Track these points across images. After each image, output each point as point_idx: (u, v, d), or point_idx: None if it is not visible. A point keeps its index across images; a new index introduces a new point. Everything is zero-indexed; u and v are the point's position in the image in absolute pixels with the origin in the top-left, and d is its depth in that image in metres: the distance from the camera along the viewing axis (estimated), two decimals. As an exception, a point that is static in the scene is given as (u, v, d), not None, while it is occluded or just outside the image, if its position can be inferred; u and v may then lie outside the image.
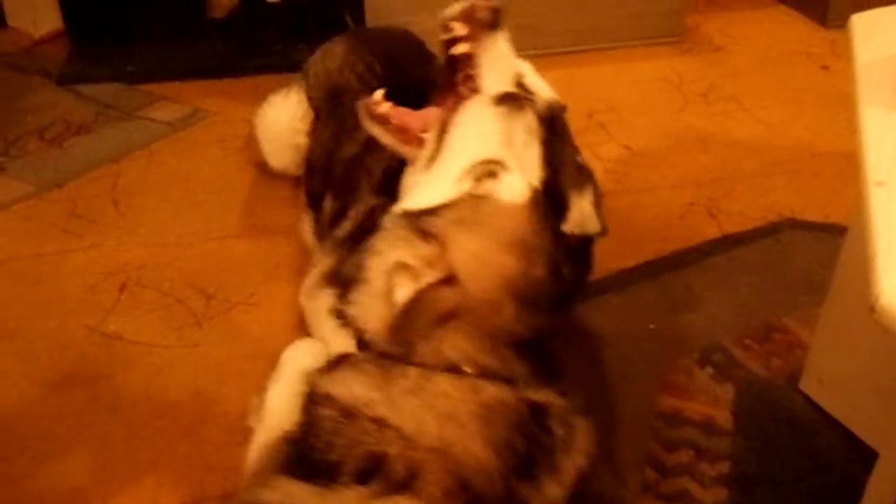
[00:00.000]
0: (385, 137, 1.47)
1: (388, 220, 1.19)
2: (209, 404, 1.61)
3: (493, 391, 1.07)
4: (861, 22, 1.33)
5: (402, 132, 1.45)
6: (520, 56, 1.54)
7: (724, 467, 1.48)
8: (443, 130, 1.31)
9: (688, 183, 2.22)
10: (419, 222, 1.15)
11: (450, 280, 1.08)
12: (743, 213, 2.10)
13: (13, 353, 1.73)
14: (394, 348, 1.10)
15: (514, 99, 1.34)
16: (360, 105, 1.48)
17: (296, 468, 1.07)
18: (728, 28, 2.99)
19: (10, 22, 3.00)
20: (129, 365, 1.70)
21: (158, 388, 1.65)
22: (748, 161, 2.31)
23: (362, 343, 1.15)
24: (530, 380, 1.11)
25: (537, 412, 1.08)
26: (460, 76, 1.49)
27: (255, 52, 2.76)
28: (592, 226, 1.48)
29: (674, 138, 2.41)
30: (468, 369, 1.08)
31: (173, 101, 2.59)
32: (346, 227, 1.72)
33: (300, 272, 1.87)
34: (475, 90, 1.46)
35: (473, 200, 1.19)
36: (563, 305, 1.53)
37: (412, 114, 1.47)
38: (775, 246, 2.00)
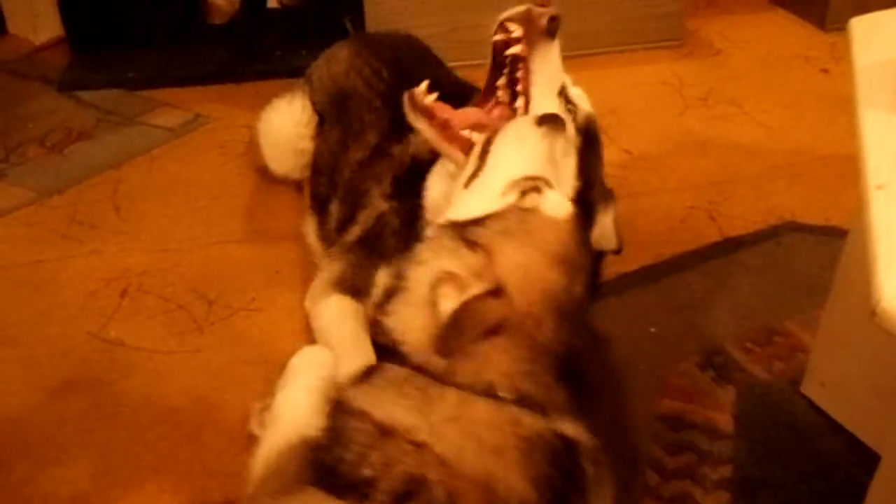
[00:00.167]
0: (427, 131, 1.49)
1: (430, 230, 1.19)
2: (210, 410, 1.61)
3: (531, 424, 1.05)
4: (860, 25, 1.33)
5: (445, 127, 1.47)
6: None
7: (726, 471, 1.47)
8: (486, 148, 1.32)
9: (688, 186, 2.22)
10: (465, 232, 1.15)
11: (497, 292, 1.07)
12: (743, 217, 2.10)
13: (14, 360, 1.74)
14: (434, 362, 1.08)
15: (555, 120, 1.35)
16: (406, 95, 1.49)
17: (321, 477, 1.05)
18: (728, 32, 3.00)
19: (11, 29, 3.00)
20: (131, 371, 1.70)
21: (160, 394, 1.65)
22: (748, 164, 2.31)
23: (397, 354, 1.13)
24: (565, 408, 1.09)
25: (569, 448, 1.07)
26: (504, 80, 1.50)
27: (256, 58, 2.76)
28: (610, 243, 1.54)
29: (674, 142, 2.42)
30: (506, 395, 1.06)
31: (174, 107, 2.59)
32: (354, 231, 1.73)
33: (301, 277, 1.88)
34: (521, 93, 1.48)
35: (520, 212, 1.19)
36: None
37: (453, 111, 1.49)
38: (776, 249, 2.00)
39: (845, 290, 1.49)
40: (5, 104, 2.62)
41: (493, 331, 1.07)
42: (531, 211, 1.19)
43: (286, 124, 2.05)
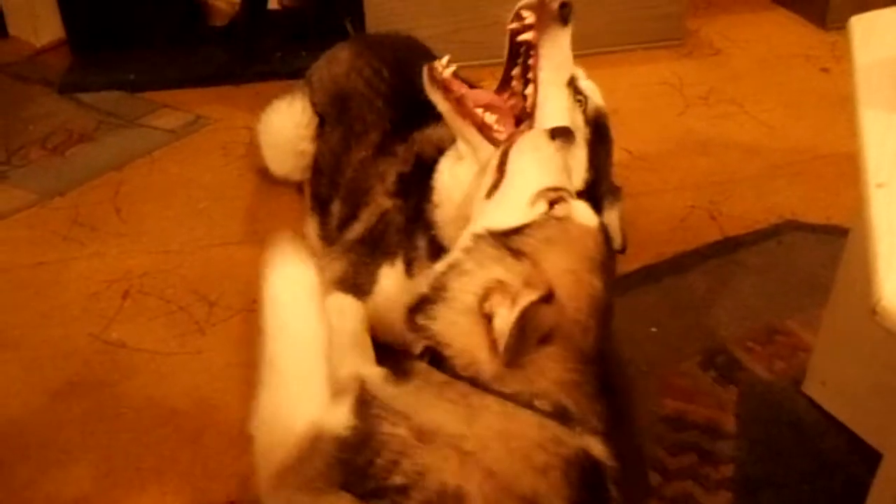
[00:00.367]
0: (442, 104, 1.50)
1: (468, 240, 1.19)
2: (212, 411, 1.61)
3: (570, 443, 1.06)
4: (860, 24, 1.33)
5: (460, 103, 1.48)
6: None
7: (728, 470, 1.47)
8: (503, 160, 1.33)
9: (689, 186, 2.22)
10: (507, 241, 1.15)
11: (549, 298, 1.08)
12: (744, 216, 2.10)
13: (16, 362, 1.74)
14: (482, 369, 1.07)
15: (567, 134, 1.38)
16: (425, 68, 1.51)
17: (351, 481, 1.04)
18: (728, 31, 2.99)
19: (12, 31, 3.00)
20: (132, 372, 1.70)
21: (161, 396, 1.65)
22: (749, 163, 2.31)
23: (435, 358, 1.12)
24: (596, 425, 1.10)
25: (597, 469, 1.08)
26: (518, 69, 1.51)
27: (256, 60, 2.77)
28: (614, 241, 1.53)
29: (674, 141, 2.42)
30: (545, 407, 1.07)
31: (174, 109, 2.59)
32: (356, 229, 1.73)
33: (302, 278, 1.87)
34: (531, 81, 1.50)
35: (557, 221, 1.19)
36: None
37: (473, 91, 1.51)
38: (777, 248, 2.00)
39: (846, 288, 1.49)
40: (6, 107, 2.62)
41: (545, 339, 1.08)
42: (566, 219, 1.20)
43: (286, 126, 2.05)
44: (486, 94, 1.54)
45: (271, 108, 2.10)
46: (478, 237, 1.18)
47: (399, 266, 1.60)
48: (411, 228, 1.59)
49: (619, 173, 2.25)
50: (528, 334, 1.06)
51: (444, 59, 1.51)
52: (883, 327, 0.87)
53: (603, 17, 2.80)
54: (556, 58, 1.51)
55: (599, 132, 1.55)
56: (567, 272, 1.13)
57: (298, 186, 2.12)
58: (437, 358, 1.12)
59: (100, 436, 1.57)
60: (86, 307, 1.87)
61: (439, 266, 1.18)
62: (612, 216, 1.55)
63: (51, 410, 1.62)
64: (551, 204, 1.21)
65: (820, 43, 2.89)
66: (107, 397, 1.65)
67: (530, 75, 1.52)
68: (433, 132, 1.68)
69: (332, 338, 1.61)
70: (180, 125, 2.51)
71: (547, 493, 1.02)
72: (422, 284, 1.18)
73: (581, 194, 1.46)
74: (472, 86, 1.54)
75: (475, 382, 1.07)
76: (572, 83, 1.54)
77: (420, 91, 1.60)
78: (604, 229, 1.24)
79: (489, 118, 1.49)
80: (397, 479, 1.01)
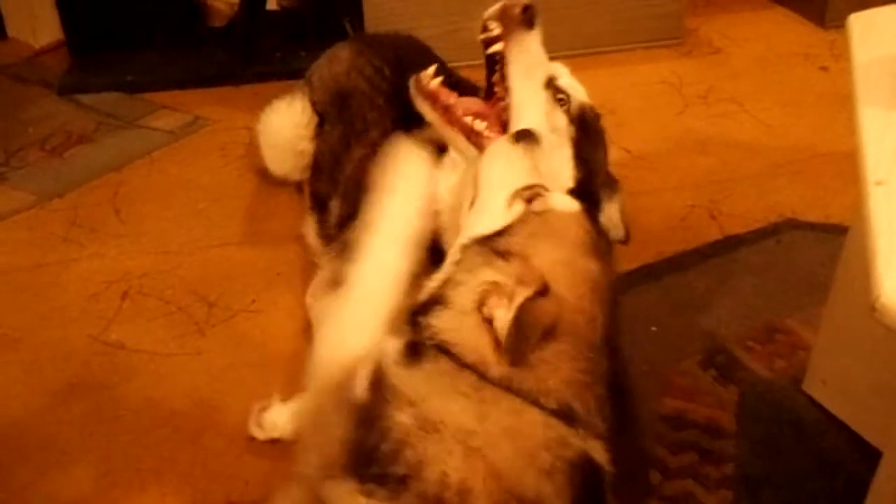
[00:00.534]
0: (430, 114, 1.50)
1: (455, 252, 1.19)
2: (211, 412, 1.61)
3: (574, 445, 1.05)
4: (859, 22, 1.33)
5: (447, 112, 1.48)
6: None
7: (729, 469, 1.47)
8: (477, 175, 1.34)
9: (688, 185, 2.22)
10: (493, 244, 1.15)
11: (545, 291, 1.07)
12: (744, 215, 2.10)
13: (16, 364, 1.74)
14: (491, 365, 1.07)
15: (529, 136, 1.36)
16: (412, 79, 1.51)
17: (356, 463, 1.05)
18: (727, 30, 2.99)
19: (11, 33, 3.00)
20: (132, 373, 1.70)
21: (161, 397, 1.65)
22: (749, 162, 2.31)
23: (445, 353, 1.11)
24: (601, 426, 1.09)
25: (597, 475, 1.07)
26: (497, 76, 1.51)
27: (255, 60, 2.76)
28: (617, 233, 1.54)
29: (674, 141, 2.41)
30: (551, 405, 1.06)
31: (173, 110, 2.59)
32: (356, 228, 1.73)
33: (302, 279, 1.88)
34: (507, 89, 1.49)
35: (537, 215, 1.19)
36: None
37: (457, 97, 1.51)
38: (776, 247, 2.00)
39: (846, 286, 1.49)
40: (5, 108, 2.62)
41: (549, 334, 1.07)
42: (546, 212, 1.20)
43: (286, 126, 2.05)
44: (473, 101, 1.53)
45: (271, 109, 2.10)
46: (465, 247, 1.19)
47: None
48: None
49: (618, 172, 2.24)
50: (529, 330, 1.05)
51: (431, 70, 1.50)
52: (882, 324, 0.87)
53: (602, 17, 2.80)
54: (525, 62, 1.50)
55: (585, 129, 1.53)
56: (558, 262, 1.12)
57: (297, 186, 2.12)
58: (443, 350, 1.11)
59: (99, 437, 1.57)
60: (85, 308, 1.87)
61: (434, 280, 1.18)
62: (612, 209, 1.54)
63: (50, 412, 1.62)
64: (528, 202, 1.21)
65: (819, 41, 2.89)
66: (106, 398, 1.65)
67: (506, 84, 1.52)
68: (434, 130, 1.68)
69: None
70: (179, 126, 2.51)
71: (550, 496, 1.02)
72: (420, 295, 1.18)
73: (575, 191, 1.46)
74: (461, 93, 1.53)
75: (484, 377, 1.07)
76: (551, 83, 1.52)
77: None
78: (586, 213, 1.24)
79: (478, 125, 1.49)
80: (399, 469, 1.01)
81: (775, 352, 1.71)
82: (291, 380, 1.64)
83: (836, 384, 1.55)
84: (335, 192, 1.85)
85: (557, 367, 1.07)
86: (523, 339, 1.05)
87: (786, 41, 2.93)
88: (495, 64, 1.52)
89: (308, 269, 1.88)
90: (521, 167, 1.30)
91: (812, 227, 2.04)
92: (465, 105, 1.50)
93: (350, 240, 1.74)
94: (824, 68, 2.75)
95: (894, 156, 1.05)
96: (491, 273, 1.11)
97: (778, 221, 2.07)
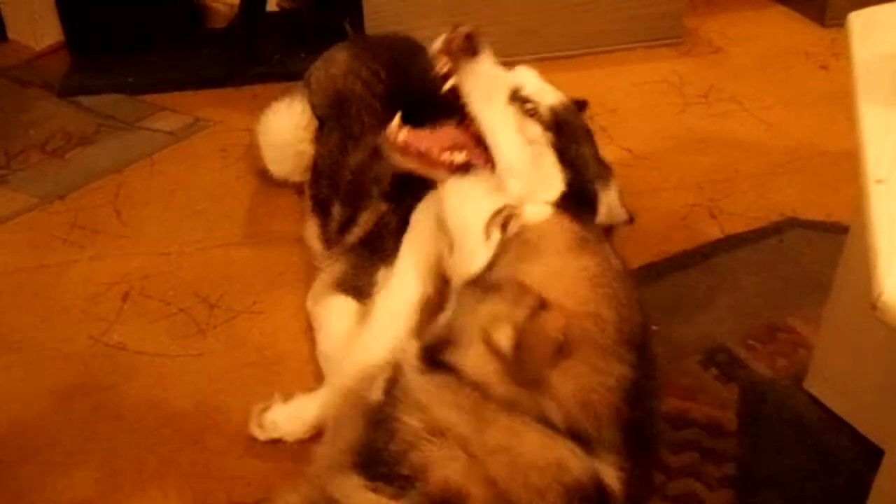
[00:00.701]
0: (409, 164, 1.50)
1: (454, 301, 1.18)
2: (213, 413, 1.61)
3: (576, 468, 1.04)
4: (859, 20, 1.33)
5: (423, 156, 1.47)
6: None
7: (730, 468, 1.47)
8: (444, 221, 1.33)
9: (689, 184, 2.22)
10: (482, 282, 1.15)
11: (544, 305, 1.05)
12: (745, 214, 2.10)
13: (17, 365, 1.74)
14: (496, 385, 1.06)
15: (466, 166, 1.37)
16: (381, 138, 1.51)
17: (365, 461, 1.06)
18: (727, 29, 2.99)
19: (11, 35, 3.00)
20: (133, 374, 1.70)
21: (162, 398, 1.65)
22: (749, 161, 2.31)
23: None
24: (613, 448, 1.07)
25: (604, 500, 1.05)
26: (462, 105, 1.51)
27: (255, 62, 2.76)
28: (620, 216, 1.53)
29: (675, 140, 2.41)
30: (559, 424, 1.04)
31: (174, 111, 2.59)
32: (356, 233, 1.73)
33: (303, 280, 1.88)
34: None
35: (515, 238, 1.18)
36: None
37: (430, 136, 1.49)
38: (778, 246, 2.00)
39: (847, 285, 1.49)
40: (6, 110, 2.62)
41: (563, 346, 1.04)
42: (522, 230, 1.18)
43: (286, 127, 2.05)
44: (447, 132, 1.51)
45: (271, 110, 2.10)
46: (459, 294, 1.18)
47: None
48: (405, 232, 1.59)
49: (619, 172, 2.24)
50: (537, 348, 1.03)
51: (395, 122, 1.49)
52: (883, 322, 0.87)
53: (603, 17, 2.80)
54: (482, 89, 1.48)
55: (563, 129, 1.51)
56: (548, 274, 1.10)
57: (298, 188, 2.12)
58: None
59: (101, 438, 1.57)
60: (86, 310, 1.87)
61: (438, 325, 1.18)
62: (609, 196, 1.52)
63: (52, 413, 1.62)
64: (504, 227, 1.19)
65: (819, 40, 2.88)
66: (108, 400, 1.65)
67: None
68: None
69: (333, 340, 1.63)
70: (180, 127, 2.52)
71: None
72: (428, 336, 1.17)
73: (569, 192, 1.46)
74: (433, 128, 1.52)
75: (487, 393, 1.06)
76: (516, 97, 1.50)
77: (417, 92, 1.59)
78: (561, 210, 1.22)
79: (459, 158, 1.48)
80: (404, 469, 1.01)
81: (777, 350, 1.71)
82: (293, 380, 1.64)
83: (838, 383, 1.55)
84: (335, 197, 1.85)
85: (566, 384, 1.05)
86: (531, 358, 1.03)
87: (786, 40, 2.93)
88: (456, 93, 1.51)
89: (309, 270, 1.88)
90: (480, 196, 1.29)
91: (813, 225, 2.04)
92: (440, 142, 1.48)
93: (349, 243, 1.75)
94: (824, 67, 2.75)
95: (895, 154, 1.05)
96: (488, 309, 1.09)
97: (779, 220, 2.07)
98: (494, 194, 1.32)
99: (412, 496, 1.00)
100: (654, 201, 2.15)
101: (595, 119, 2.47)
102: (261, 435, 1.53)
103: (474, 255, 1.21)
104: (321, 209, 1.91)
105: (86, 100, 2.65)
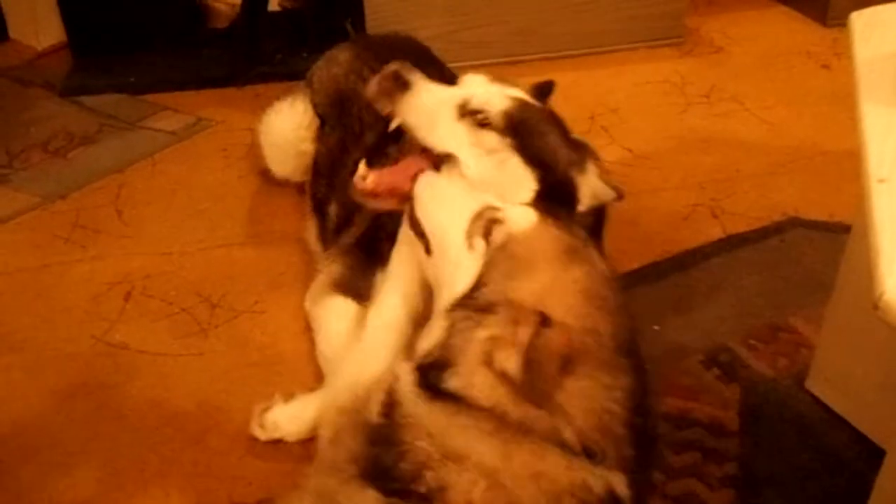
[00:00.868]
0: (384, 205, 1.47)
1: (442, 320, 1.14)
2: (215, 412, 1.61)
3: (596, 487, 1.02)
4: (861, 19, 1.33)
5: (395, 192, 1.44)
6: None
7: (732, 468, 1.47)
8: (414, 220, 1.30)
9: (691, 184, 2.22)
10: (473, 303, 1.11)
11: (546, 322, 1.03)
12: (747, 214, 2.10)
13: (19, 364, 1.74)
14: (508, 407, 1.04)
15: (448, 158, 1.35)
16: (350, 187, 1.49)
17: (376, 474, 1.04)
18: (729, 29, 2.99)
19: (13, 35, 3.01)
20: (135, 374, 1.70)
21: (164, 397, 1.65)
22: (751, 161, 2.30)
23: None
24: (625, 461, 1.06)
25: None
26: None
27: (257, 62, 2.76)
28: (607, 195, 1.48)
29: (676, 140, 2.41)
30: (574, 445, 1.03)
31: (176, 111, 2.59)
32: (352, 233, 1.73)
33: (304, 279, 1.88)
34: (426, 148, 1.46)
35: (501, 251, 1.14)
36: None
37: (396, 170, 1.47)
38: (780, 245, 1.99)
39: (849, 285, 1.49)
40: (8, 110, 2.63)
41: (568, 363, 1.02)
42: (509, 241, 1.14)
43: (287, 127, 2.05)
44: (412, 161, 1.47)
45: (273, 109, 2.10)
46: (449, 314, 1.14)
47: None
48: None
49: (621, 172, 2.26)
50: (545, 367, 1.01)
51: (361, 168, 1.47)
52: (885, 322, 0.87)
53: (604, 17, 2.80)
54: (425, 119, 1.45)
55: (520, 129, 1.46)
56: (544, 289, 1.08)
57: (300, 187, 2.12)
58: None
59: (103, 438, 1.57)
60: (88, 309, 1.87)
61: (430, 340, 1.14)
62: (589, 178, 1.47)
63: (54, 412, 1.62)
64: (486, 235, 1.16)
65: (821, 40, 2.88)
66: (110, 399, 1.65)
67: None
68: None
69: (331, 341, 1.63)
70: (181, 127, 2.52)
71: None
72: (421, 359, 1.14)
73: (545, 188, 1.43)
74: (396, 160, 1.50)
75: (504, 420, 1.04)
76: (466, 111, 1.45)
77: None
78: (546, 215, 1.18)
79: None
80: (421, 488, 1.00)
81: (778, 350, 1.71)
82: (294, 380, 1.64)
83: (840, 382, 1.55)
84: (333, 197, 1.85)
85: (576, 404, 1.03)
86: (541, 377, 1.02)
87: (788, 40, 2.93)
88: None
89: (311, 270, 1.88)
90: (457, 196, 1.26)
91: (815, 225, 2.04)
92: (407, 172, 1.44)
93: (346, 244, 1.74)
94: (826, 66, 2.75)
95: (897, 154, 1.05)
96: (486, 332, 1.06)
97: (781, 220, 2.07)
98: (471, 192, 1.27)
99: None
100: (656, 201, 2.15)
101: (596, 119, 2.49)
102: (262, 435, 1.53)
103: (458, 267, 1.17)
104: (320, 209, 1.91)
105: (87, 99, 2.65)
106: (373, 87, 1.47)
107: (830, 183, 2.18)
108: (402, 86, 1.45)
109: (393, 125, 1.49)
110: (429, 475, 1.01)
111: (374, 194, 1.46)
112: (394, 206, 1.45)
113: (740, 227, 2.05)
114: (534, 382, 1.01)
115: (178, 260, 2.01)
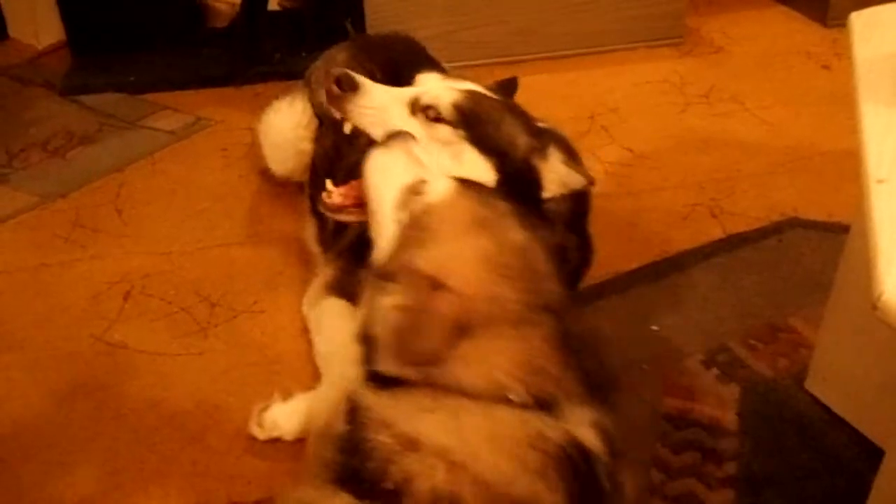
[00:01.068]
0: (353, 217, 1.48)
1: (364, 290, 1.18)
2: (214, 412, 1.61)
3: (555, 436, 1.03)
4: (860, 20, 1.33)
5: (360, 206, 1.43)
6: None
7: (731, 468, 1.47)
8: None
9: (690, 184, 2.22)
10: (381, 273, 1.15)
11: (436, 286, 1.05)
12: (746, 213, 2.10)
13: (19, 364, 1.74)
14: (437, 375, 1.05)
15: (397, 135, 1.36)
16: (320, 205, 1.51)
17: (348, 480, 1.05)
18: (728, 29, 2.99)
19: (13, 34, 3.01)
20: (134, 373, 1.70)
21: (163, 397, 1.65)
22: (750, 161, 2.30)
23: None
24: (579, 395, 1.07)
25: (588, 461, 1.05)
26: None
27: (256, 61, 2.76)
28: (575, 180, 1.47)
29: (676, 139, 2.41)
30: (518, 398, 1.04)
31: (175, 111, 2.59)
32: (348, 235, 1.73)
33: (303, 279, 1.88)
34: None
35: (412, 221, 1.18)
36: (572, 286, 1.54)
37: (361, 182, 1.48)
38: (779, 245, 1.99)
39: (848, 285, 1.49)
40: (7, 109, 2.63)
41: (462, 329, 1.04)
42: (420, 212, 1.17)
43: (286, 126, 2.05)
44: None
45: (271, 108, 2.11)
46: (366, 282, 1.18)
47: None
48: None
49: (620, 171, 2.27)
50: (434, 332, 1.04)
51: (329, 185, 1.50)
52: (884, 322, 0.87)
53: (604, 16, 2.80)
54: (375, 116, 1.48)
55: (472, 120, 1.47)
56: (442, 256, 1.10)
57: (300, 187, 2.12)
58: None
59: (102, 437, 1.57)
60: (87, 309, 1.87)
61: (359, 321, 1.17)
62: (553, 164, 1.46)
63: (53, 412, 1.62)
64: (407, 205, 1.19)
65: (821, 40, 2.88)
66: (109, 399, 1.65)
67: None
68: None
69: (328, 343, 1.63)
70: (181, 127, 2.52)
71: (546, 495, 1.01)
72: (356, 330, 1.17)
73: (505, 176, 1.44)
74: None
75: (443, 387, 1.05)
76: (416, 107, 1.48)
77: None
78: (464, 185, 1.20)
79: None
80: (388, 485, 1.01)
81: (777, 350, 1.71)
82: (293, 380, 1.64)
83: (839, 383, 1.55)
84: None
85: (496, 359, 1.05)
86: (430, 343, 1.04)
87: (787, 40, 2.93)
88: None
89: (310, 270, 1.88)
90: (398, 168, 1.28)
91: (814, 225, 2.04)
92: None
93: (342, 246, 1.74)
94: (826, 67, 2.75)
95: (896, 154, 1.05)
96: (389, 300, 1.09)
97: (780, 220, 2.07)
98: (412, 166, 1.29)
99: None
100: (655, 201, 2.15)
101: (596, 119, 2.49)
102: (261, 434, 1.53)
103: (384, 237, 1.21)
104: (318, 210, 1.91)
105: (87, 99, 2.65)
106: (324, 94, 1.50)
107: (830, 183, 2.18)
108: (350, 88, 1.48)
109: (347, 129, 1.51)
110: (393, 469, 1.01)
111: (341, 209, 1.47)
112: (362, 217, 1.45)
113: (739, 226, 2.05)
114: (423, 347, 1.04)
115: (178, 259, 2.01)
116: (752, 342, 1.72)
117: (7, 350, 1.77)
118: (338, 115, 1.50)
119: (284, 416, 1.54)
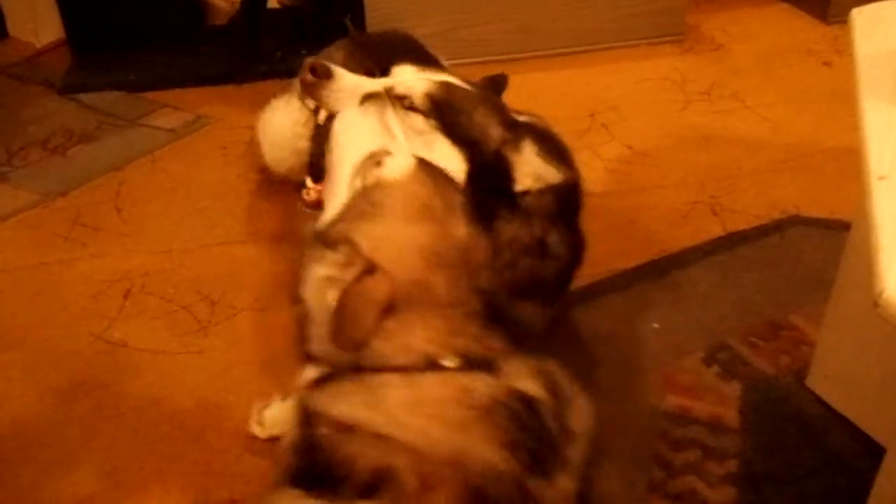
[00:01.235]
0: None
1: (305, 248, 1.19)
2: (214, 410, 1.61)
3: (484, 389, 1.05)
4: (861, 16, 1.33)
5: None
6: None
7: (732, 466, 1.47)
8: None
9: (691, 181, 2.21)
10: (325, 236, 1.16)
11: (370, 270, 1.07)
12: (747, 211, 2.09)
13: (19, 362, 1.74)
14: (363, 357, 1.07)
15: (374, 95, 1.37)
16: (298, 205, 1.53)
17: (303, 481, 1.06)
18: (729, 26, 2.99)
19: (12, 32, 3.01)
20: (135, 372, 1.70)
21: (163, 395, 1.65)
22: (751, 159, 2.30)
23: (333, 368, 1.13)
24: (508, 350, 1.10)
25: (531, 407, 1.07)
26: None
27: (256, 59, 2.76)
28: (550, 174, 1.46)
29: (676, 137, 2.41)
30: (448, 362, 1.06)
31: (175, 109, 2.59)
32: None
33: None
34: None
35: (364, 192, 1.19)
36: (562, 283, 1.54)
37: None
38: (780, 243, 1.99)
39: (849, 282, 1.49)
40: (7, 107, 2.63)
41: (390, 308, 1.06)
42: (374, 186, 1.18)
43: (285, 124, 2.05)
44: None
45: (270, 107, 2.10)
46: (308, 241, 1.19)
47: None
48: None
49: (620, 169, 2.26)
50: (361, 312, 1.05)
51: (308, 182, 1.52)
52: (885, 320, 0.87)
53: (604, 13, 2.80)
54: (350, 101, 1.49)
55: (444, 109, 1.48)
56: (381, 238, 1.12)
57: (299, 185, 2.12)
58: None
59: (102, 436, 1.57)
60: (87, 307, 1.87)
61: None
62: (527, 157, 1.46)
63: (53, 411, 1.62)
64: (366, 173, 1.20)
65: (822, 37, 2.88)
66: (109, 397, 1.65)
67: None
68: None
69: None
70: (181, 125, 2.51)
71: (473, 447, 1.02)
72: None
73: (476, 169, 1.44)
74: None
75: (367, 368, 1.08)
76: (390, 97, 1.49)
77: None
78: (422, 171, 1.21)
79: None
80: (337, 472, 1.02)
81: (779, 348, 1.70)
82: (292, 378, 1.64)
83: (840, 380, 1.54)
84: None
85: (416, 331, 1.07)
86: (351, 322, 1.05)
87: (788, 37, 2.93)
88: None
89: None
90: (366, 131, 1.30)
91: (815, 222, 2.04)
92: None
93: None
94: (827, 64, 2.75)
95: (897, 151, 1.05)
96: (323, 268, 1.11)
97: (781, 217, 2.07)
98: (378, 134, 1.30)
99: (346, 493, 1.01)
100: (656, 198, 2.15)
101: (596, 116, 2.49)
102: (261, 433, 1.53)
103: (335, 200, 1.22)
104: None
105: (87, 97, 2.65)
106: (300, 86, 1.50)
107: (831, 180, 2.18)
108: (324, 76, 1.49)
109: (321, 117, 1.51)
110: (337, 456, 1.03)
111: (319, 206, 1.47)
112: None
113: (740, 224, 2.05)
114: (339, 326, 1.05)
115: (178, 258, 2.01)
116: (753, 340, 1.72)
117: (6, 348, 1.77)
118: (311, 105, 1.51)
119: (285, 415, 1.54)
